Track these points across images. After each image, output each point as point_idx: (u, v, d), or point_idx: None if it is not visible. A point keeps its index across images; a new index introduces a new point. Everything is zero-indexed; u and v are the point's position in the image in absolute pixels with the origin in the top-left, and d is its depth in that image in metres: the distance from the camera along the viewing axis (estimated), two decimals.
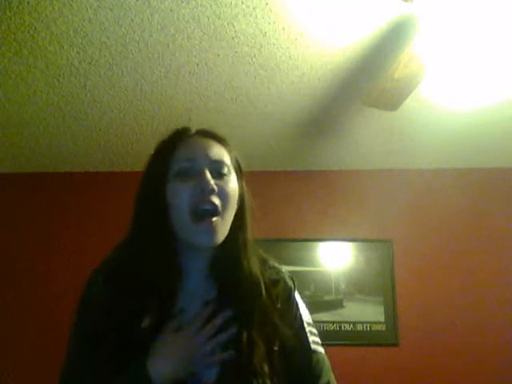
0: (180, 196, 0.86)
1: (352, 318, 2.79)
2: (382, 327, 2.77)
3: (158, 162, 0.92)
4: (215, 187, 0.85)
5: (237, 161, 0.96)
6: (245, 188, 0.95)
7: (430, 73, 1.65)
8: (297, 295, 0.98)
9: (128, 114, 2.43)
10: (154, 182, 0.90)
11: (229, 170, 0.90)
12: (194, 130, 0.97)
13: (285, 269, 1.00)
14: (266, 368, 0.84)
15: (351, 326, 2.78)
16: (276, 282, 0.95)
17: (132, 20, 1.78)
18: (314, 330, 0.98)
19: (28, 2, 1.67)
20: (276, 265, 0.99)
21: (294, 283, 0.98)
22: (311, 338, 0.96)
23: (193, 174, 0.87)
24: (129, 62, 2.01)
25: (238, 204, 0.92)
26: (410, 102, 2.05)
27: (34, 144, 2.72)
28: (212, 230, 0.85)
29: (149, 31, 1.84)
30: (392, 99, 1.82)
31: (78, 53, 1.95)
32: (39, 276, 2.88)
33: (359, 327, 2.77)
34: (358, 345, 2.74)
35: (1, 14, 1.72)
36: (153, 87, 2.20)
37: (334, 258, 2.91)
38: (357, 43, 1.91)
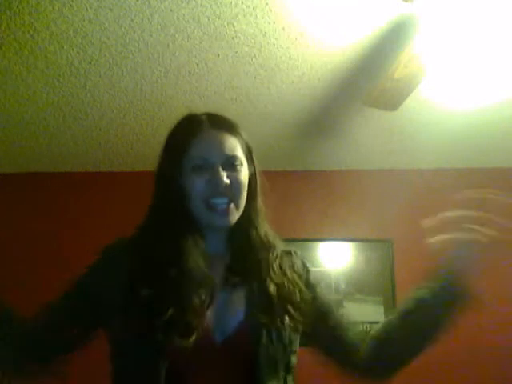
0: (195, 189, 0.93)
1: (352, 318, 2.79)
2: None
3: (172, 157, 0.98)
4: (228, 181, 0.92)
5: (247, 146, 1.01)
6: (255, 165, 1.02)
7: (430, 73, 1.65)
8: (310, 267, 1.06)
9: (128, 114, 2.43)
10: (170, 175, 0.96)
11: (241, 162, 0.97)
12: (205, 120, 0.99)
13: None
14: (290, 312, 0.92)
15: None
16: (289, 253, 1.04)
17: (132, 20, 1.78)
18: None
19: (28, 2, 1.67)
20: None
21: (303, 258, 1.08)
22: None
23: (207, 168, 0.93)
24: (129, 62, 2.01)
25: (248, 180, 0.99)
26: (410, 102, 2.05)
27: (34, 144, 2.72)
28: (226, 214, 0.93)
29: (149, 31, 1.84)
30: (392, 99, 1.82)
31: (78, 53, 1.95)
32: (39, 276, 2.87)
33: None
34: None
35: (1, 14, 1.72)
36: (153, 87, 2.20)
37: (334, 258, 2.91)
38: (357, 43, 1.91)
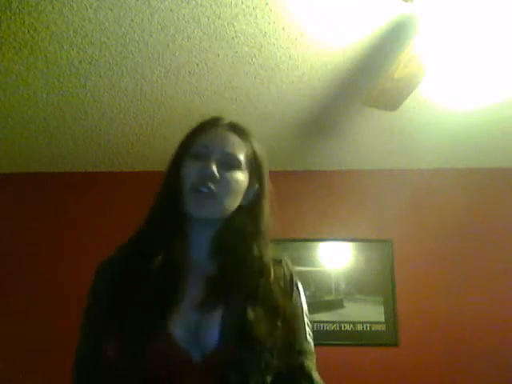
0: (187, 173, 0.94)
1: (352, 317, 2.79)
2: (382, 327, 2.77)
3: (182, 145, 1.01)
4: (216, 174, 0.92)
5: (256, 158, 1.01)
6: (265, 187, 1.01)
7: (430, 73, 1.65)
8: (298, 282, 1.02)
9: (128, 114, 2.43)
10: (175, 159, 0.99)
11: (239, 165, 0.96)
12: (222, 121, 1.02)
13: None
14: (269, 342, 0.88)
15: (351, 325, 2.78)
16: (278, 262, 1.01)
17: (132, 20, 1.78)
18: (309, 323, 1.02)
19: (28, 2, 1.67)
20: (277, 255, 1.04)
21: (294, 271, 1.04)
22: (307, 329, 1.00)
23: (203, 158, 0.95)
24: (129, 61, 2.01)
25: (249, 198, 0.99)
26: (409, 102, 2.05)
27: (34, 144, 2.72)
28: (201, 201, 0.92)
29: (149, 31, 1.84)
30: (392, 99, 1.82)
31: (78, 53, 1.95)
32: (39, 276, 2.88)
33: (359, 327, 2.77)
34: (357, 345, 2.74)
35: (1, 13, 1.72)
36: (153, 87, 2.20)
37: (334, 258, 2.91)
38: (357, 43, 1.91)
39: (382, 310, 2.80)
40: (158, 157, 2.73)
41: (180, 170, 0.96)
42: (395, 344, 2.73)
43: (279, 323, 0.91)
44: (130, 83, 2.17)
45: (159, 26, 1.81)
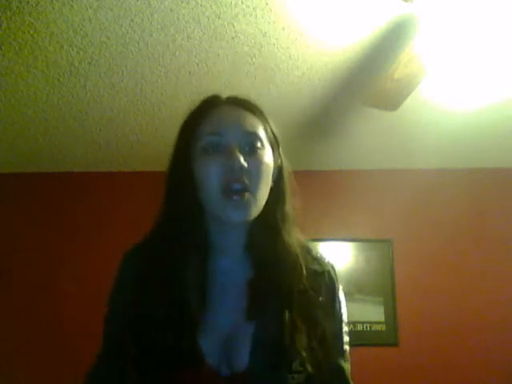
0: (209, 174, 0.79)
1: (352, 318, 2.77)
2: (382, 327, 2.77)
3: (184, 136, 0.86)
4: (245, 165, 0.77)
5: (272, 132, 0.88)
6: (283, 160, 0.89)
7: (430, 73, 1.66)
8: (341, 292, 0.91)
9: (128, 114, 2.42)
10: (181, 158, 0.84)
11: (262, 144, 0.82)
12: (224, 98, 0.89)
13: (329, 260, 0.93)
14: (306, 354, 0.76)
15: (351, 326, 2.77)
16: (320, 274, 0.87)
17: (132, 20, 1.78)
18: (348, 330, 0.91)
19: (28, 2, 1.67)
20: (320, 255, 0.92)
21: (337, 277, 0.91)
22: (345, 339, 0.89)
23: (221, 149, 0.79)
24: (129, 61, 2.01)
25: (274, 177, 0.85)
26: (409, 102, 2.05)
27: (34, 144, 2.72)
28: (242, 205, 0.78)
29: (149, 31, 1.83)
30: (392, 99, 1.82)
31: (77, 53, 1.95)
32: (39, 275, 2.87)
33: (359, 327, 2.77)
34: (357, 345, 2.73)
35: (1, 13, 1.72)
36: (153, 87, 2.20)
37: (334, 258, 2.91)
38: (357, 43, 1.91)
39: (381, 310, 2.81)
40: (158, 157, 2.73)
41: (192, 171, 0.81)
42: (395, 344, 2.73)
43: (316, 335, 0.79)
44: (130, 83, 2.16)
45: (159, 26, 1.81)
